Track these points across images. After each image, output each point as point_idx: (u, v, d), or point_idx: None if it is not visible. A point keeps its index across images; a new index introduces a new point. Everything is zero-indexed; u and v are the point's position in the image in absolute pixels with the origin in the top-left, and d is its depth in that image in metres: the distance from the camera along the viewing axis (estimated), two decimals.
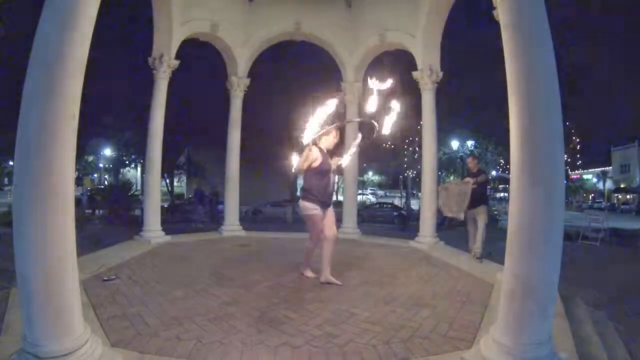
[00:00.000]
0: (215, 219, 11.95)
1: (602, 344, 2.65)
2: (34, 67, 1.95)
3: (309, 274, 4.19)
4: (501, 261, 2.65)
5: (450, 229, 11.38)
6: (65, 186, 1.97)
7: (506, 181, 27.71)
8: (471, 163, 6.05)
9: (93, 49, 2.17)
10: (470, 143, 21.13)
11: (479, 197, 5.49)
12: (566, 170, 21.05)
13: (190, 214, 12.89)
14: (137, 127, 14.16)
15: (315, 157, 3.75)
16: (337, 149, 4.17)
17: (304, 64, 13.58)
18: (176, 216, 14.53)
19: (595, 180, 46.86)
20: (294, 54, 12.65)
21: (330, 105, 3.29)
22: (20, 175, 1.93)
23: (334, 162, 3.95)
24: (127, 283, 3.78)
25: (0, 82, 9.77)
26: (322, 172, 3.81)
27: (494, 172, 24.08)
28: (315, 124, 3.33)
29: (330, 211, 3.98)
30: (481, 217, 5.45)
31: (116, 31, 11.79)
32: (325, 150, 3.91)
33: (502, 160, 22.47)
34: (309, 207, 3.82)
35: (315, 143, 3.74)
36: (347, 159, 4.13)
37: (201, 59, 10.16)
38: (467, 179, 5.57)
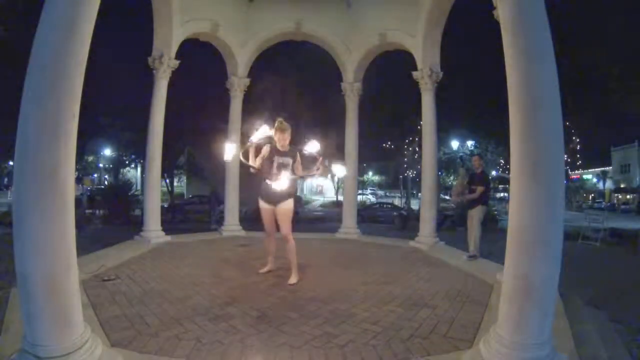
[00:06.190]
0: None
1: (602, 344, 2.65)
2: (34, 68, 1.94)
3: (263, 269, 4.30)
4: (501, 261, 2.65)
5: (450, 229, 11.39)
6: (65, 186, 1.97)
7: (506, 181, 27.68)
8: (476, 162, 6.05)
9: (93, 48, 2.17)
10: (470, 143, 21.10)
11: (477, 198, 5.54)
12: (566, 170, 21.04)
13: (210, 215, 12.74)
14: (137, 127, 14.14)
15: (263, 154, 3.91)
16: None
17: (303, 64, 13.56)
18: (176, 216, 14.52)
19: (595, 180, 46.81)
20: (293, 54, 12.63)
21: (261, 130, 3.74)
22: (20, 175, 1.93)
23: (278, 160, 3.91)
24: (127, 283, 3.78)
25: (0, 83, 9.77)
26: (265, 166, 3.91)
27: (494, 172, 24.04)
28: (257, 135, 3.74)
29: (279, 210, 3.94)
30: (476, 216, 5.49)
31: (116, 31, 11.78)
32: (279, 149, 3.93)
33: (502, 160, 22.43)
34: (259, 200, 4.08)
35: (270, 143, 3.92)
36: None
37: (201, 59, 10.14)
38: (468, 196, 5.66)
